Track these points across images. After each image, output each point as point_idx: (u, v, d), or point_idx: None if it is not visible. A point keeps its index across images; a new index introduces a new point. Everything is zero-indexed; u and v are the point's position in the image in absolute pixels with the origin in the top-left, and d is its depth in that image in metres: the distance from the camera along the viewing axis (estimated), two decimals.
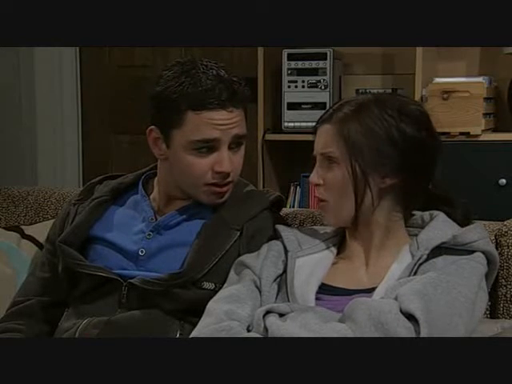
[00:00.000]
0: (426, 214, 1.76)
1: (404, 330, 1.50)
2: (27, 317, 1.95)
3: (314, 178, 1.74)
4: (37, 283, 1.99)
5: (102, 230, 1.93)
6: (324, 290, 1.71)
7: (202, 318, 1.70)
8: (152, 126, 1.87)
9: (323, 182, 1.73)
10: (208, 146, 1.82)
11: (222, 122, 1.81)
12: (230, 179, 1.86)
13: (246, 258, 1.80)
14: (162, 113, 1.84)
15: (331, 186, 1.72)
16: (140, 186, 1.97)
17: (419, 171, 1.73)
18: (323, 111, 3.52)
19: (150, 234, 1.89)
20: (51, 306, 1.96)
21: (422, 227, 1.74)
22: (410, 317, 1.52)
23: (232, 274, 1.80)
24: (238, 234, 1.87)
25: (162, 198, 1.93)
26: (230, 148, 1.84)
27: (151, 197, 1.95)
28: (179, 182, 1.89)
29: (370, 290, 1.66)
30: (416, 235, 1.73)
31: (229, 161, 1.83)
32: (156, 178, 1.97)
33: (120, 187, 1.99)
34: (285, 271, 1.76)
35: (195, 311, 1.76)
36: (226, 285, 1.79)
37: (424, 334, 1.50)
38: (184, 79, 1.80)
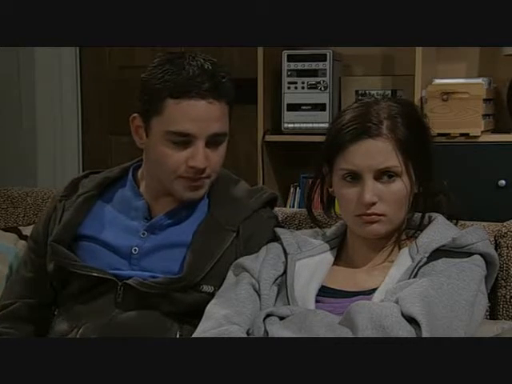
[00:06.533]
0: (425, 217, 1.75)
1: (405, 333, 1.50)
2: (15, 320, 1.93)
3: (372, 197, 1.66)
4: (21, 284, 1.97)
5: (91, 228, 1.91)
6: (324, 292, 1.71)
7: (201, 322, 1.70)
8: (135, 114, 1.87)
9: (379, 197, 1.67)
10: (184, 140, 1.79)
11: (201, 114, 1.78)
12: (204, 175, 1.83)
13: (245, 260, 1.79)
14: (144, 100, 1.83)
15: (393, 199, 1.68)
16: (130, 180, 1.93)
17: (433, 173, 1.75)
18: (323, 112, 3.55)
19: (144, 233, 1.87)
20: (38, 308, 1.95)
21: (419, 229, 1.73)
22: (411, 320, 1.52)
23: (230, 275, 1.79)
24: (234, 235, 1.86)
25: (152, 192, 1.90)
26: (207, 145, 1.81)
27: (140, 190, 1.92)
28: (155, 173, 1.87)
29: (370, 292, 1.66)
30: (413, 236, 1.73)
31: (203, 156, 1.80)
32: (140, 170, 1.95)
33: (106, 182, 1.96)
34: (284, 272, 1.75)
35: (194, 313, 1.76)
36: (223, 286, 1.78)
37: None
38: (168, 67, 1.80)
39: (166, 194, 1.88)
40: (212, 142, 1.81)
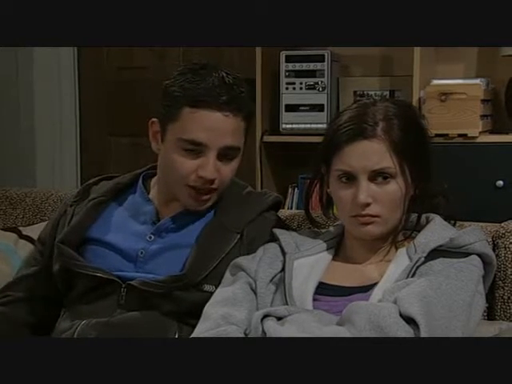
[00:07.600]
0: (422, 217, 1.76)
1: (404, 333, 1.50)
2: (8, 305, 1.96)
3: (366, 198, 1.67)
4: (21, 280, 1.99)
5: (99, 232, 1.92)
6: (322, 289, 1.71)
7: (199, 323, 1.70)
8: (154, 119, 1.89)
9: (374, 198, 1.67)
10: (195, 149, 1.81)
11: (215, 125, 1.80)
12: (213, 186, 1.84)
13: (242, 260, 1.79)
14: (163, 106, 1.85)
15: (388, 200, 1.68)
16: (140, 187, 1.96)
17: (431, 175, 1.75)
18: (321, 113, 3.55)
19: (151, 237, 1.88)
20: (33, 300, 1.96)
21: (417, 229, 1.74)
22: (410, 320, 1.52)
23: (227, 275, 1.80)
24: (238, 236, 1.87)
25: (162, 197, 1.92)
26: (219, 158, 1.82)
27: (150, 196, 1.94)
28: (165, 179, 1.89)
29: (367, 289, 1.67)
30: (410, 237, 1.74)
31: (214, 167, 1.81)
32: (155, 178, 1.97)
33: (117, 187, 1.99)
34: (282, 270, 1.76)
35: (195, 313, 1.76)
36: (220, 286, 1.78)
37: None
38: (190, 76, 1.82)
39: (175, 199, 1.90)
40: (224, 154, 1.83)
